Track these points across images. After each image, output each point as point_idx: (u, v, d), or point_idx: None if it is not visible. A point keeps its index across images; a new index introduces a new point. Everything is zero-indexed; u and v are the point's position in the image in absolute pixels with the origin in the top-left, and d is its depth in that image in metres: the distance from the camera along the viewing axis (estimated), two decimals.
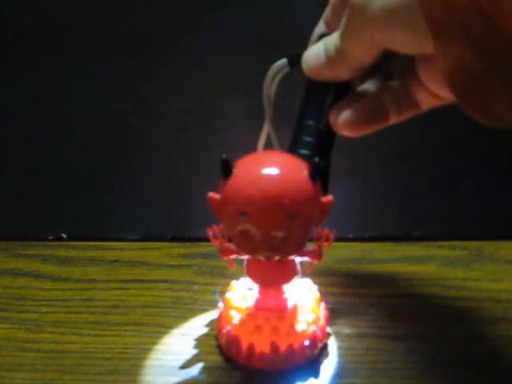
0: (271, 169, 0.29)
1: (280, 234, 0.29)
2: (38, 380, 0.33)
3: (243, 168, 0.29)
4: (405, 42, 0.24)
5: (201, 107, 0.46)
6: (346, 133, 0.30)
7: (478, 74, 0.22)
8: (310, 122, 0.31)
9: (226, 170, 0.29)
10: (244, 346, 0.33)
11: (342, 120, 0.29)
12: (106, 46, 0.45)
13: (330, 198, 0.30)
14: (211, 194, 0.30)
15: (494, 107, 0.23)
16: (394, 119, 0.30)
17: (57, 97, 0.47)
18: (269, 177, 0.29)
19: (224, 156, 0.29)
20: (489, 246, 0.45)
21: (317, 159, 0.29)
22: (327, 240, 0.32)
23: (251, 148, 0.34)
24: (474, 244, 0.45)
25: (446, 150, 0.47)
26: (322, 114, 0.30)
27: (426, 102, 0.30)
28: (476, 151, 0.45)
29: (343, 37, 0.27)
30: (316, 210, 0.30)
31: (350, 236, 0.47)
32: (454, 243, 0.45)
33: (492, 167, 0.47)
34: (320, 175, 0.30)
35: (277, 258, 0.30)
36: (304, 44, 0.32)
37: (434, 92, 0.28)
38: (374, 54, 0.26)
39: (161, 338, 0.36)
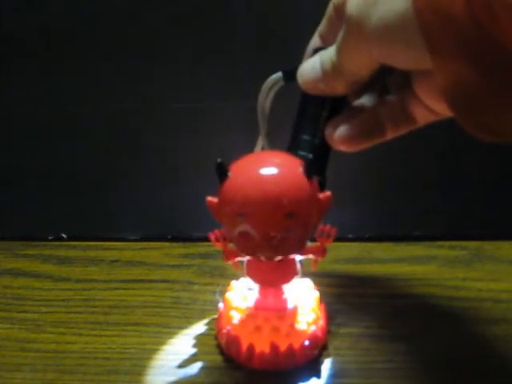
0: (266, 169, 0.29)
1: (279, 234, 0.29)
2: (38, 380, 0.33)
3: (238, 170, 0.29)
4: (402, 58, 0.24)
5: (201, 107, 0.46)
6: (342, 148, 0.30)
7: (477, 89, 0.21)
8: (305, 137, 0.31)
9: (222, 173, 0.29)
10: (244, 346, 0.33)
11: (338, 135, 0.29)
12: (106, 45, 0.45)
13: (327, 194, 0.30)
14: (209, 199, 0.30)
15: (492, 123, 0.22)
16: (390, 134, 0.30)
17: (57, 97, 0.47)
18: (264, 177, 0.28)
19: (219, 160, 0.29)
20: (489, 246, 0.45)
21: (310, 156, 0.29)
22: (329, 236, 0.32)
23: (251, 148, 0.34)
24: (473, 244, 0.45)
25: (446, 150, 0.47)
26: (318, 128, 0.30)
27: (422, 117, 0.29)
28: (476, 151, 0.45)
29: (340, 51, 0.27)
30: (314, 207, 0.30)
31: (350, 236, 0.47)
32: (454, 243, 0.45)
33: (492, 167, 0.47)
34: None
35: (278, 258, 0.30)
36: (303, 43, 0.32)
37: (430, 107, 0.28)
38: (371, 68, 0.26)
39: (161, 337, 0.36)
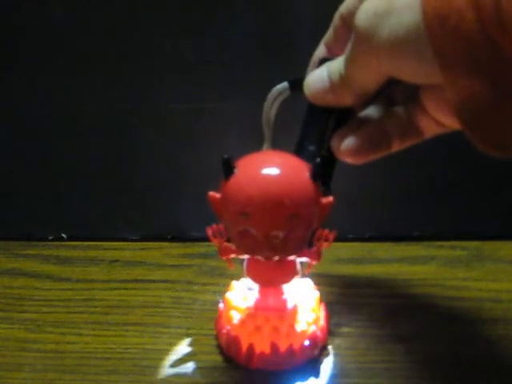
0: (271, 169, 0.29)
1: (280, 234, 0.29)
2: (38, 380, 0.33)
3: (244, 168, 0.29)
4: (412, 72, 0.24)
5: (201, 107, 0.46)
6: (348, 160, 0.29)
7: (488, 104, 0.21)
8: (312, 148, 0.31)
9: (228, 169, 0.29)
10: (244, 346, 0.33)
11: (345, 147, 0.29)
12: (106, 45, 0.45)
13: (330, 198, 0.30)
14: (212, 194, 0.30)
15: (503, 138, 0.22)
16: (396, 146, 0.30)
17: (57, 97, 0.47)
18: (269, 177, 0.29)
19: (225, 156, 0.29)
20: (489, 246, 0.45)
21: (318, 160, 0.29)
22: (327, 240, 0.32)
23: (251, 148, 0.33)
24: (473, 244, 0.45)
25: (446, 150, 0.47)
26: (324, 139, 0.30)
27: (429, 130, 0.29)
28: (476, 151, 0.45)
29: (348, 63, 0.26)
30: (316, 210, 0.30)
31: (350, 236, 0.47)
32: (454, 243, 0.45)
33: (492, 167, 0.47)
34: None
35: (277, 258, 0.30)
36: (303, 44, 0.32)
37: (437, 120, 0.28)
38: (380, 81, 0.26)
39: (161, 338, 0.36)
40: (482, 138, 0.23)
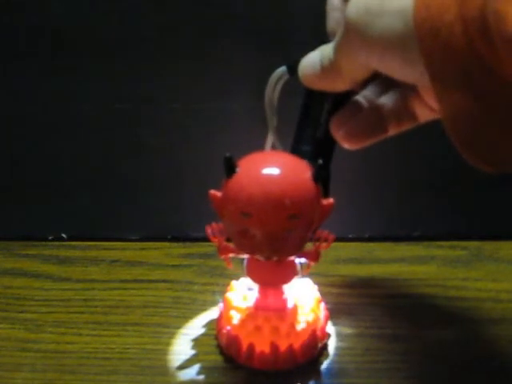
0: (273, 169, 0.29)
1: (281, 235, 0.29)
2: (38, 380, 0.33)
3: (246, 167, 0.29)
4: (402, 73, 0.24)
5: (201, 107, 0.46)
6: (345, 145, 0.30)
7: (478, 120, 0.21)
8: (309, 131, 0.31)
9: (229, 168, 0.29)
10: (244, 346, 0.33)
11: (342, 132, 0.29)
12: (106, 45, 0.45)
13: (330, 200, 0.30)
14: (213, 192, 0.30)
15: (493, 153, 0.22)
16: (392, 130, 0.30)
17: (57, 97, 0.47)
18: (271, 177, 0.29)
19: (227, 154, 0.29)
20: (489, 246, 0.45)
21: (320, 161, 0.29)
22: (326, 241, 0.32)
23: (251, 148, 0.33)
24: (474, 244, 0.45)
25: (446, 150, 0.47)
26: (320, 122, 0.30)
27: (424, 115, 0.29)
28: None
29: (337, 51, 0.26)
30: (317, 211, 0.30)
31: (350, 236, 0.47)
32: (454, 243, 0.45)
33: None
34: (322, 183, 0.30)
35: (276, 258, 0.30)
36: (303, 43, 0.32)
37: (432, 106, 0.28)
38: (369, 71, 0.26)
39: (161, 337, 0.36)
40: (472, 153, 0.23)
